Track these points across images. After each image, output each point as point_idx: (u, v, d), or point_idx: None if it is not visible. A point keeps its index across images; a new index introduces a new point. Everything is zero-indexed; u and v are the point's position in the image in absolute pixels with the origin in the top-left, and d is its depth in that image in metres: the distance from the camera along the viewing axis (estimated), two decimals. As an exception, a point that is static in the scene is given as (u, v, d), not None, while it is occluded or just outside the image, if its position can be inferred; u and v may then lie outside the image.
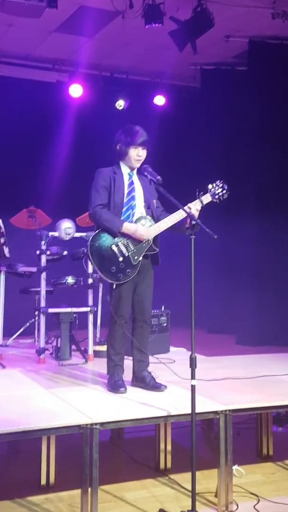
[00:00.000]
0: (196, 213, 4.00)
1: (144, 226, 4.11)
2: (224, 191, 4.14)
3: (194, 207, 4.01)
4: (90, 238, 4.13)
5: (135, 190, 4.24)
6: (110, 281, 4.11)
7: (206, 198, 4.10)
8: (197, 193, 4.03)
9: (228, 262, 8.36)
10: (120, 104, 9.03)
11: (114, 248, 4.09)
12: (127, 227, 4.08)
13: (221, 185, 4.15)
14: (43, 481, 3.81)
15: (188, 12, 6.78)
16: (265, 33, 7.72)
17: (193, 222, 3.53)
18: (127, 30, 7.18)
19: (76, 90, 8.70)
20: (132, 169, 4.28)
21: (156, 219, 4.20)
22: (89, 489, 3.27)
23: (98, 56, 8.40)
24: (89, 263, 5.45)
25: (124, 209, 4.17)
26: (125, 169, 4.28)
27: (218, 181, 4.16)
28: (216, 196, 4.13)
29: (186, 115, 9.20)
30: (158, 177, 4.05)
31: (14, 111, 8.23)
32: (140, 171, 4.27)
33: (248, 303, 7.84)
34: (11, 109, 8.23)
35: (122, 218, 4.14)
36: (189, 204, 4.02)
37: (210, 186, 4.14)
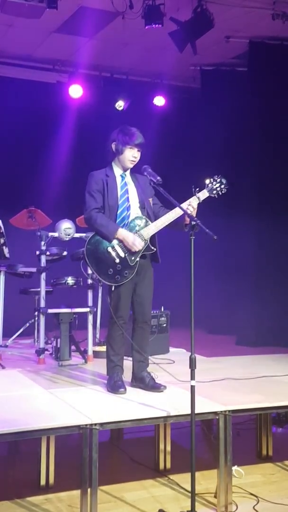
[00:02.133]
0: (193, 210, 3.98)
1: (139, 239, 4.10)
2: (223, 186, 4.09)
3: (192, 205, 3.99)
4: (87, 241, 4.13)
5: (129, 191, 4.22)
6: (108, 283, 4.11)
7: (203, 194, 4.07)
8: (193, 189, 3.99)
9: (228, 263, 8.36)
10: (120, 104, 9.03)
11: (111, 250, 4.08)
12: (122, 234, 4.07)
13: (219, 179, 4.10)
14: (43, 482, 3.81)
15: (188, 12, 6.79)
16: (265, 34, 7.72)
17: (193, 223, 3.49)
18: (127, 31, 7.19)
19: (76, 91, 8.70)
20: (125, 169, 4.27)
21: (154, 217, 4.19)
22: (89, 490, 3.27)
23: (98, 56, 8.40)
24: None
25: (119, 211, 4.16)
26: (117, 171, 4.26)
27: (216, 176, 4.12)
28: (214, 191, 4.09)
29: (186, 115, 9.20)
30: (158, 178, 4.04)
31: (14, 111, 8.23)
32: (138, 171, 4.26)
33: (248, 303, 7.84)
34: (11, 110, 8.23)
35: (117, 220, 4.13)
36: (186, 202, 3.99)
37: (207, 181, 4.10)
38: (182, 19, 6.83)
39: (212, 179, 4.11)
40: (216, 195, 4.10)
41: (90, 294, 5.72)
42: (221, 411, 3.66)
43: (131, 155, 4.19)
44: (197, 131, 9.03)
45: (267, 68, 7.88)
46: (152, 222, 4.15)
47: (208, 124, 8.75)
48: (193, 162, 8.80)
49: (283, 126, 7.82)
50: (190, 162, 8.89)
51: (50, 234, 5.56)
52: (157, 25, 6.72)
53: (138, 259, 4.11)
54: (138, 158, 4.22)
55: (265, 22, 7.28)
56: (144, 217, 4.17)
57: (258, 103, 7.94)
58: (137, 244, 4.07)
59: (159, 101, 9.25)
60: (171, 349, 5.97)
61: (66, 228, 5.56)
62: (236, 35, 7.80)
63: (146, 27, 6.75)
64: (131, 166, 4.24)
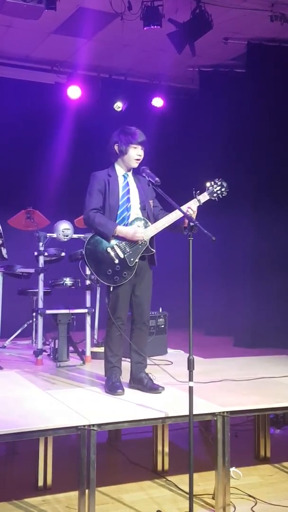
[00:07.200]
0: (193, 213, 3.99)
1: (139, 228, 4.11)
2: (223, 189, 4.09)
3: (191, 207, 3.99)
4: (86, 242, 4.13)
5: (130, 192, 4.22)
6: (106, 284, 4.11)
7: (204, 197, 4.06)
8: (193, 191, 3.99)
9: (226, 264, 8.37)
10: (119, 105, 9.02)
11: (110, 251, 4.08)
12: (121, 230, 4.07)
13: (219, 183, 4.10)
14: (40, 483, 3.81)
15: (187, 14, 6.79)
16: (264, 36, 7.73)
17: (191, 224, 3.48)
18: (126, 32, 7.19)
19: (74, 92, 8.70)
20: (128, 170, 4.27)
21: (154, 219, 4.19)
22: (87, 491, 3.27)
23: (97, 57, 8.40)
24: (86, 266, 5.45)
25: (119, 212, 4.15)
26: (120, 171, 4.26)
27: (217, 179, 4.11)
28: (215, 195, 4.08)
29: (184, 117, 9.20)
30: (157, 179, 4.04)
31: (12, 112, 8.23)
32: (137, 172, 4.26)
33: (246, 305, 7.85)
34: (9, 110, 8.23)
35: (117, 221, 4.13)
36: (186, 204, 3.99)
37: (208, 184, 4.09)
38: (181, 20, 6.84)
39: (213, 182, 4.10)
40: (216, 198, 4.10)
41: (88, 295, 5.72)
42: (219, 412, 3.66)
43: (136, 153, 4.19)
44: (196, 133, 9.03)
45: (265, 70, 7.89)
46: (151, 223, 4.15)
47: (207, 125, 8.76)
48: (192, 163, 8.79)
49: (281, 127, 7.83)
50: (189, 163, 8.89)
51: (48, 235, 5.57)
52: (155, 27, 6.71)
53: (137, 260, 4.10)
54: (143, 156, 4.22)
55: (263, 23, 7.29)
56: (144, 218, 4.17)
57: (256, 104, 7.94)
58: (139, 233, 4.06)
59: (158, 102, 9.26)
60: (169, 350, 5.98)
61: (64, 229, 5.57)
62: (234, 37, 7.81)
63: (145, 28, 6.75)
64: (136, 165, 4.23)
